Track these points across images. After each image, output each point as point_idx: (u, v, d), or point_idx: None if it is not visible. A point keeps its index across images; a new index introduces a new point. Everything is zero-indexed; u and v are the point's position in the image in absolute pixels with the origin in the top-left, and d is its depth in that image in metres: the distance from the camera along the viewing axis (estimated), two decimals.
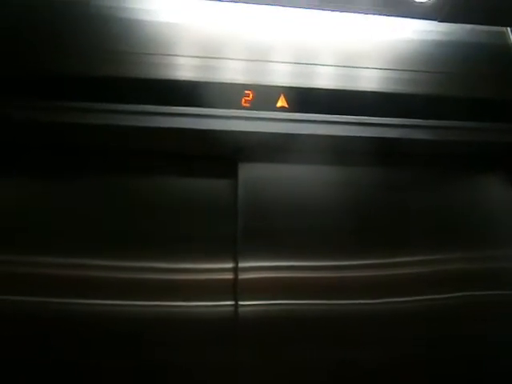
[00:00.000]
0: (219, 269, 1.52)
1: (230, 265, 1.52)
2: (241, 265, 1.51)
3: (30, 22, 1.42)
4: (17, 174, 1.50)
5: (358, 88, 1.50)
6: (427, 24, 1.54)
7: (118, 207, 1.52)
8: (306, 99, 1.48)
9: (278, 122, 1.47)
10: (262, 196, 1.56)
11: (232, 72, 1.47)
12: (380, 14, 1.50)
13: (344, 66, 1.51)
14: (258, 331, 1.45)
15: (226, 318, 1.47)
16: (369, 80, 1.51)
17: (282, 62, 1.49)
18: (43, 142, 1.49)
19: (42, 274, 1.42)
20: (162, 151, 1.54)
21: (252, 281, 1.50)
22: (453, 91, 1.54)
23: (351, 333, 1.50)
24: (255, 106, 1.46)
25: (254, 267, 1.51)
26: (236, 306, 1.48)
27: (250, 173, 1.57)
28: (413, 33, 1.55)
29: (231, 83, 1.45)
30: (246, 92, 1.46)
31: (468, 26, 1.55)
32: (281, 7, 1.49)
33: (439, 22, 1.50)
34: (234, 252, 1.52)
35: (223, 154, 1.56)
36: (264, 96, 1.47)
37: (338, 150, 1.56)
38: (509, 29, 1.63)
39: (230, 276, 1.51)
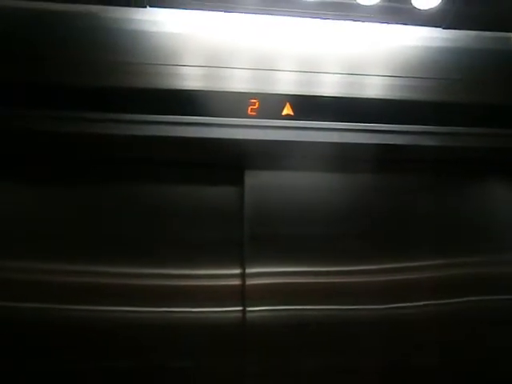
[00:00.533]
0: (227, 275, 1.54)
1: (237, 271, 1.54)
2: (248, 271, 1.52)
3: (37, 33, 1.44)
4: (22, 183, 1.52)
5: (362, 95, 1.51)
6: (432, 30, 1.54)
7: (126, 215, 1.54)
8: (311, 107, 1.49)
9: (284, 130, 1.48)
10: (269, 202, 1.58)
11: (238, 81, 1.48)
12: (385, 23, 1.50)
13: (349, 74, 1.51)
14: (266, 337, 1.47)
15: (233, 324, 1.49)
16: (374, 87, 1.52)
17: (288, 71, 1.50)
18: (50, 151, 1.52)
19: (52, 281, 1.45)
20: (169, 160, 1.56)
21: (259, 286, 1.51)
22: (459, 97, 1.54)
23: (359, 338, 1.51)
24: (261, 114, 1.47)
25: (262, 273, 1.52)
26: (244, 311, 1.49)
27: (257, 180, 1.58)
28: (417, 39, 1.55)
29: (237, 92, 1.46)
30: (252, 101, 1.47)
31: (473, 32, 1.54)
32: (286, 17, 1.50)
33: (444, 29, 1.51)
34: (241, 258, 1.54)
35: (230, 161, 1.58)
36: (270, 104, 1.47)
37: (344, 157, 1.57)
38: None
39: (237, 282, 1.53)
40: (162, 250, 1.53)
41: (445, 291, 1.58)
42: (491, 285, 1.62)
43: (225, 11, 1.48)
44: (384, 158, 1.58)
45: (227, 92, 1.46)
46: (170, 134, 1.44)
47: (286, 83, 1.50)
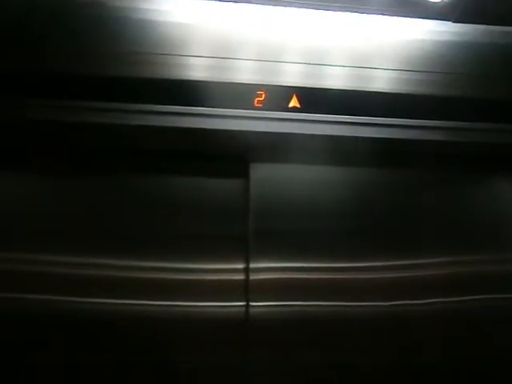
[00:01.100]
0: (230, 269, 1.52)
1: (241, 265, 1.52)
2: (252, 265, 1.50)
3: (44, 22, 1.43)
4: (25, 174, 1.51)
5: (370, 89, 1.49)
6: (440, 24, 1.53)
7: (129, 207, 1.53)
8: (318, 99, 1.47)
9: (290, 122, 1.46)
10: (274, 196, 1.56)
11: (244, 72, 1.46)
12: (393, 15, 1.49)
13: (356, 67, 1.50)
14: (269, 332, 1.45)
15: (236, 319, 1.47)
16: (381, 80, 1.51)
17: (295, 63, 1.48)
18: (58, 141, 1.50)
19: (55, 273, 1.43)
20: (173, 151, 1.54)
21: (263, 281, 1.50)
22: (466, 92, 1.53)
23: (362, 335, 1.50)
24: (267, 106, 1.46)
25: (266, 268, 1.51)
26: (247, 306, 1.47)
27: (262, 173, 1.57)
28: (425, 33, 1.54)
29: (244, 83, 1.45)
30: (259, 92, 1.46)
31: (482, 26, 1.54)
32: (294, 8, 1.50)
33: (453, 22, 1.50)
34: (245, 252, 1.52)
35: (235, 153, 1.56)
36: (276, 96, 1.46)
37: (350, 151, 1.56)
38: None
39: (241, 277, 1.51)
40: (165, 243, 1.51)
41: (450, 289, 1.57)
42: (497, 283, 1.60)
43: (233, 2, 1.47)
44: (391, 152, 1.57)
45: (234, 83, 1.45)
46: (175, 125, 1.42)
47: (293, 75, 1.48)
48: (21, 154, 1.50)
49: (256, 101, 1.46)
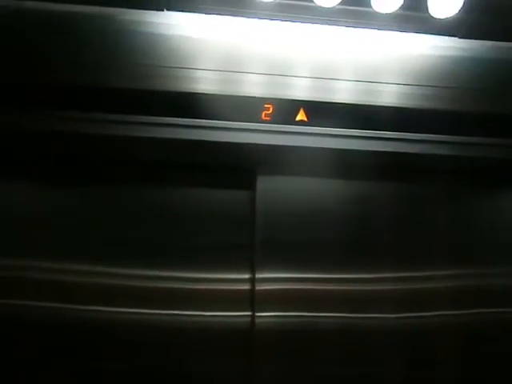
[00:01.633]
0: (236, 279, 1.54)
1: (247, 275, 1.54)
2: (258, 276, 1.52)
3: (54, 35, 1.45)
4: (31, 183, 1.54)
5: (377, 103, 1.50)
6: (448, 39, 1.54)
7: (137, 217, 1.55)
8: (325, 113, 1.48)
9: (298, 136, 1.48)
10: (280, 208, 1.57)
11: (252, 86, 1.48)
12: (400, 31, 1.50)
13: (364, 81, 1.51)
14: (275, 342, 1.47)
15: (242, 329, 1.49)
16: (388, 95, 1.52)
17: (302, 77, 1.50)
18: (66, 151, 1.53)
19: (63, 281, 1.45)
20: (181, 163, 1.56)
21: (269, 292, 1.51)
22: (473, 107, 1.53)
23: (368, 346, 1.51)
24: (275, 119, 1.47)
25: (271, 278, 1.52)
26: (253, 316, 1.49)
27: (269, 185, 1.58)
28: (432, 48, 1.55)
29: (251, 97, 1.46)
30: (266, 106, 1.47)
31: (489, 42, 1.54)
32: (302, 23, 1.51)
33: (459, 38, 1.51)
34: (251, 263, 1.54)
35: (242, 166, 1.58)
36: (284, 110, 1.47)
37: (356, 164, 1.57)
38: None
39: (247, 287, 1.53)
40: (172, 252, 1.53)
41: (458, 302, 1.58)
42: (504, 297, 1.61)
43: (241, 16, 1.49)
44: (397, 166, 1.58)
45: (241, 96, 1.46)
46: (181, 137, 1.44)
47: (301, 89, 1.50)
48: (21, 164, 1.53)
49: (263, 114, 1.47)
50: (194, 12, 1.48)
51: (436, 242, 1.62)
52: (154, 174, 1.58)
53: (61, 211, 1.52)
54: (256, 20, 1.50)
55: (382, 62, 1.53)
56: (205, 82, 1.46)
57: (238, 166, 1.58)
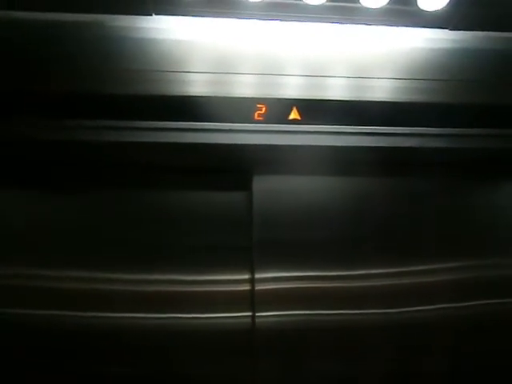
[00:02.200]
0: (236, 280, 1.54)
1: (246, 276, 1.54)
2: (257, 276, 1.52)
3: (45, 43, 1.46)
4: (31, 190, 1.55)
5: (370, 98, 1.49)
6: (439, 32, 1.53)
7: (134, 221, 1.55)
8: (318, 111, 1.48)
9: (291, 135, 1.47)
10: (277, 207, 1.57)
11: (244, 86, 1.48)
12: (390, 25, 1.50)
13: (356, 77, 1.51)
14: (276, 342, 1.47)
15: (243, 330, 1.49)
16: (381, 90, 1.51)
17: (294, 75, 1.50)
18: (62, 158, 1.54)
19: (63, 287, 1.47)
20: (177, 166, 1.56)
21: (269, 292, 1.51)
22: (466, 99, 1.52)
23: (370, 343, 1.51)
24: (268, 119, 1.47)
25: (271, 278, 1.52)
26: (253, 317, 1.49)
27: (265, 185, 1.58)
28: (424, 41, 1.54)
29: (244, 97, 1.46)
30: (259, 106, 1.47)
31: (480, 33, 1.53)
32: (291, 22, 1.51)
33: (450, 30, 1.50)
34: (250, 263, 1.54)
35: (238, 167, 1.58)
36: (276, 109, 1.47)
37: (352, 161, 1.56)
38: None
39: (246, 287, 1.53)
40: (170, 255, 1.53)
41: (458, 295, 1.57)
42: (503, 287, 1.60)
43: (230, 17, 1.49)
44: (393, 160, 1.57)
45: (234, 97, 1.46)
46: (177, 141, 1.44)
47: (293, 88, 1.49)
48: (20, 172, 1.54)
49: (256, 114, 1.47)
50: (183, 15, 1.48)
51: (434, 235, 1.61)
52: (151, 179, 1.58)
53: (58, 217, 1.53)
54: (245, 20, 1.50)
55: (374, 58, 1.52)
56: (197, 85, 1.47)
57: (234, 167, 1.58)
